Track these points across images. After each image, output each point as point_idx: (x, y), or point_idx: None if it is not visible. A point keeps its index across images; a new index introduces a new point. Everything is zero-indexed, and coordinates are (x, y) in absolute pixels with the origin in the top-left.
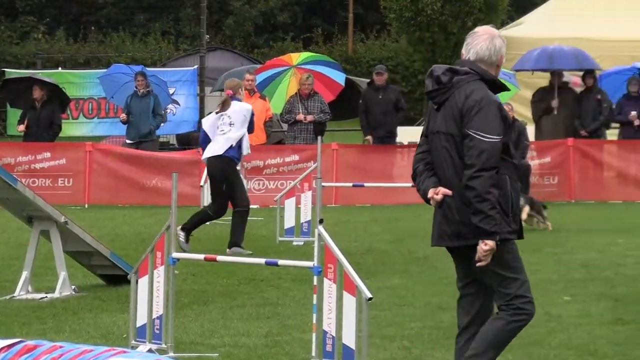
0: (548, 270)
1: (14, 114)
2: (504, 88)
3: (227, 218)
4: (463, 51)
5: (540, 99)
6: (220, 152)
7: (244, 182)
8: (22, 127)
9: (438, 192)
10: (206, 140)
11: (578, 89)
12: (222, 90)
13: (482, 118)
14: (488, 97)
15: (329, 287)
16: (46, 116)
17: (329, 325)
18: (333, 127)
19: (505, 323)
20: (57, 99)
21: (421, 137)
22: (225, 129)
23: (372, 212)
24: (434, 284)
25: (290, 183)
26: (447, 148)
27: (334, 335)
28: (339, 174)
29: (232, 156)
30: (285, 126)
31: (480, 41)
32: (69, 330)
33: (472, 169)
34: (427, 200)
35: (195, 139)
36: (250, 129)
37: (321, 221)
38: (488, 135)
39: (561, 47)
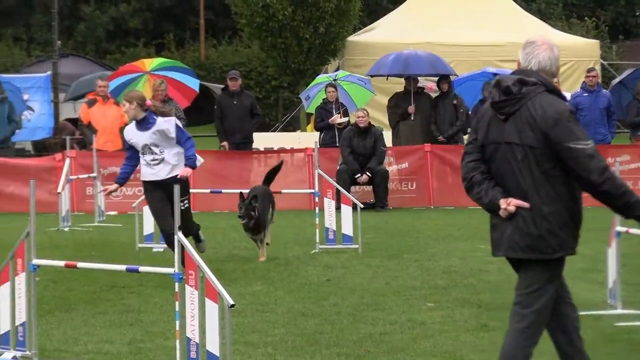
0: (409, 276)
1: None
2: (564, 98)
3: (88, 224)
4: (520, 60)
5: (396, 105)
6: None
7: (100, 187)
8: None
9: (510, 203)
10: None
11: (433, 94)
12: (76, 98)
13: (571, 128)
14: (565, 107)
15: (191, 294)
16: None
17: (193, 332)
18: (189, 133)
19: None
20: None
21: (468, 144)
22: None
23: (230, 219)
24: (296, 290)
25: None
26: (523, 160)
27: (198, 342)
28: (196, 179)
29: None
30: None
31: (541, 51)
32: None
33: (594, 177)
34: (492, 210)
35: (51, 145)
36: None
37: (180, 228)
38: (583, 142)
39: (416, 52)
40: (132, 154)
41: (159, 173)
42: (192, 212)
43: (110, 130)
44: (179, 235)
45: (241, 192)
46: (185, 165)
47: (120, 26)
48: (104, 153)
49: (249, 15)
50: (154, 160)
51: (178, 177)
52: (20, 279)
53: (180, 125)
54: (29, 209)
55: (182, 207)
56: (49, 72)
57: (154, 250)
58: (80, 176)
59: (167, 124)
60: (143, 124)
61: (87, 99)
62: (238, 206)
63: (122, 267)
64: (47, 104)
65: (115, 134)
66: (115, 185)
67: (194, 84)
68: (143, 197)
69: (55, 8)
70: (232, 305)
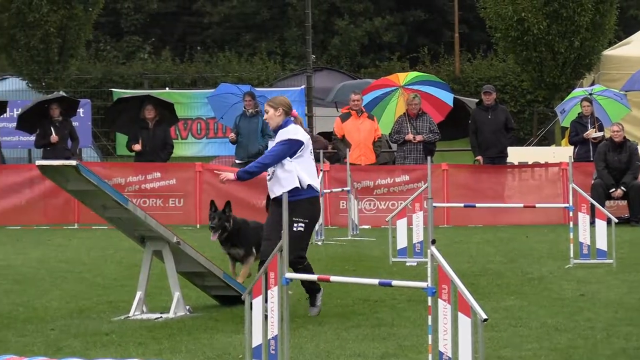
0: None
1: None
2: None
3: (341, 238)
4: None
5: None
6: None
7: (354, 202)
8: (138, 147)
9: None
10: None
11: None
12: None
13: None
14: None
15: (444, 308)
16: (160, 136)
17: (445, 346)
18: (443, 147)
19: None
20: (167, 119)
21: None
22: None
23: (484, 233)
24: (549, 305)
25: (401, 203)
26: None
27: (450, 356)
28: (450, 194)
29: None
30: (394, 146)
31: None
32: (185, 351)
33: None
34: None
35: None
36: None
37: (433, 242)
38: None
39: None
40: None
41: (273, 189)
42: (307, 240)
43: (364, 144)
44: (432, 249)
45: (212, 201)
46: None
47: (375, 40)
48: (357, 167)
49: (503, 29)
50: (269, 175)
51: (220, 178)
52: (273, 293)
53: (286, 141)
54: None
55: (294, 229)
56: (303, 86)
57: (407, 264)
58: (334, 190)
59: (278, 137)
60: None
61: (341, 112)
62: (209, 217)
63: (375, 281)
64: (302, 117)
65: (369, 148)
66: (231, 175)
67: (448, 98)
68: (396, 210)
69: (309, 22)
70: (485, 320)
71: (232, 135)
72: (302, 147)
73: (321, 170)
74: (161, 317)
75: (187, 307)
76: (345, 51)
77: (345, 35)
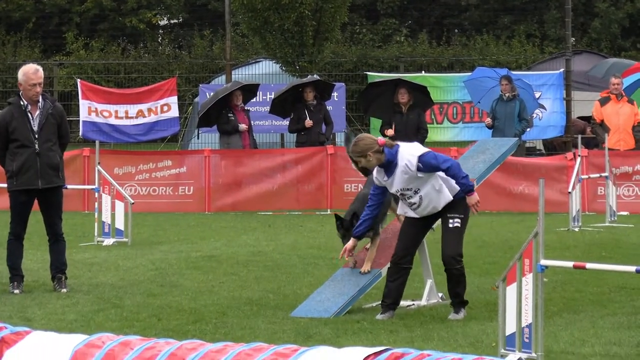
0: None
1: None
2: None
3: (598, 224)
4: None
5: None
6: None
7: (613, 188)
8: (390, 132)
9: None
10: None
11: None
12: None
13: None
14: None
15: None
16: (413, 120)
17: None
18: None
19: None
20: (422, 102)
21: None
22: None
23: None
24: None
25: None
26: None
27: None
28: None
29: None
30: None
31: None
32: (437, 339)
33: None
34: None
35: (562, 144)
36: None
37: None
38: None
39: None
40: None
41: (425, 212)
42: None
43: (623, 129)
44: None
45: (336, 215)
46: None
47: (636, 22)
48: (615, 152)
49: None
50: (410, 204)
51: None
52: (528, 280)
53: (433, 153)
54: (538, 208)
55: (450, 225)
56: (561, 69)
57: None
58: (592, 175)
59: (406, 166)
60: None
61: (601, 96)
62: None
63: (632, 268)
64: (560, 101)
65: (629, 133)
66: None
67: None
68: None
69: (569, 4)
70: None
71: (489, 119)
72: None
73: (579, 155)
74: (414, 304)
75: (440, 295)
76: (606, 33)
77: (605, 17)
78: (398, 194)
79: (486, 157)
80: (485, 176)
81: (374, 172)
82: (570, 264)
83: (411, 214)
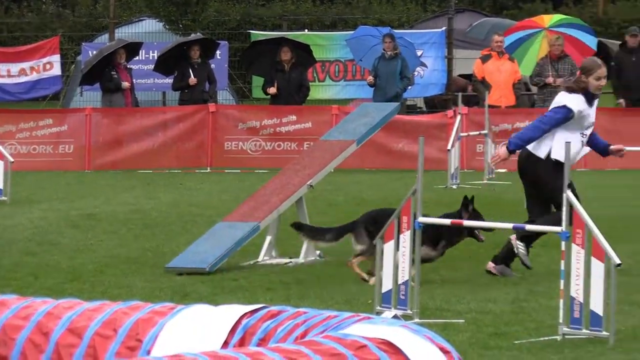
0: None
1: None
2: None
3: (476, 182)
4: None
5: None
6: None
7: (492, 146)
8: (273, 90)
9: None
10: None
11: None
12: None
13: None
14: None
15: (577, 253)
16: (295, 78)
17: (577, 291)
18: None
19: None
20: (304, 61)
21: None
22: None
23: (624, 177)
24: None
25: None
26: None
27: (582, 301)
28: None
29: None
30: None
31: None
32: (314, 296)
33: None
34: None
35: (443, 102)
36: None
37: (570, 186)
38: None
39: None
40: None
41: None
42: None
43: (504, 86)
44: (568, 194)
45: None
46: None
47: None
48: (495, 110)
49: None
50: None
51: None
52: (405, 237)
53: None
54: (417, 166)
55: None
56: (444, 28)
57: None
58: (471, 133)
59: None
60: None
61: (482, 54)
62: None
63: (509, 225)
64: (441, 60)
65: (509, 90)
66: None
67: (592, 42)
68: None
69: None
70: (619, 265)
71: (371, 77)
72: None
73: (459, 113)
74: (291, 261)
75: (318, 252)
76: None
77: None
78: (585, 128)
79: (367, 120)
80: (365, 138)
81: (568, 102)
82: (447, 221)
83: (582, 153)
